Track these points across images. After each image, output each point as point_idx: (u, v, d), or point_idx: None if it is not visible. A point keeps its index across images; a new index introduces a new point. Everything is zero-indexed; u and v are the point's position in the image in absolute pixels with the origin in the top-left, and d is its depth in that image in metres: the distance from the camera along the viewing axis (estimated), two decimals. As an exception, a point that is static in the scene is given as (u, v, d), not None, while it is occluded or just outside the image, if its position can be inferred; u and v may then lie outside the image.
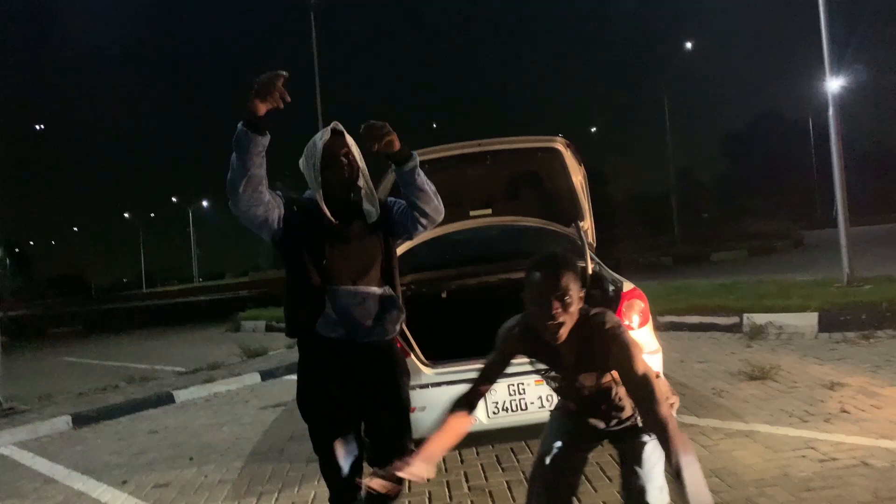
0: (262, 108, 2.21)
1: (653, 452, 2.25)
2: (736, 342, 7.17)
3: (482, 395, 2.28)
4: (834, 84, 12.27)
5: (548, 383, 2.38)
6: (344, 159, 2.50)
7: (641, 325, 3.80)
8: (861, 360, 5.72)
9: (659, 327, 8.25)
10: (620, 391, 2.26)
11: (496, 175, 4.27)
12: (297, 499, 3.92)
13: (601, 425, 2.34)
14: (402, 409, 2.65)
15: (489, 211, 4.41)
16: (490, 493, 3.71)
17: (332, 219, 2.49)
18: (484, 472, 4.02)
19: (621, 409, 2.31)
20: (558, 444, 2.39)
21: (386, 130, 2.36)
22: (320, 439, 2.56)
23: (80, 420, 6.52)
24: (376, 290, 2.55)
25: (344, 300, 2.48)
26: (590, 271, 4.18)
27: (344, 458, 2.53)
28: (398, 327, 2.59)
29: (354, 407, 2.56)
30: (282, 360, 8.81)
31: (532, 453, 4.19)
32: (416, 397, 3.53)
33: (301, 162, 2.56)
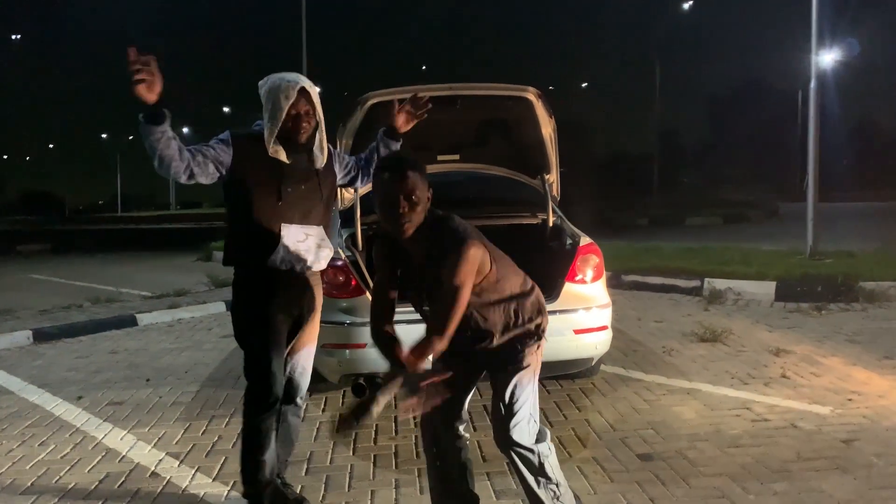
0: (149, 96, 2.29)
1: (519, 384, 2.31)
2: (694, 305, 7.34)
3: (390, 314, 2.40)
4: (826, 58, 12.24)
5: (417, 309, 2.45)
6: (306, 119, 2.62)
7: (595, 279, 3.88)
8: (810, 330, 5.91)
9: (622, 286, 8.42)
10: (480, 310, 2.29)
11: (466, 121, 4.25)
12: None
13: (465, 346, 2.35)
14: (318, 328, 3.00)
15: (457, 157, 4.42)
16: (435, 430, 3.82)
17: (287, 160, 2.65)
18: (432, 411, 4.13)
19: (479, 327, 2.32)
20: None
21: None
22: (260, 365, 2.73)
23: (40, 336, 6.53)
24: (317, 227, 2.77)
25: (293, 236, 2.69)
26: (550, 223, 4.24)
27: (279, 383, 2.77)
28: (325, 264, 2.86)
29: (288, 331, 2.80)
30: (249, 291, 8.83)
31: (480, 395, 4.33)
32: (369, 333, 3.60)
33: (262, 95, 2.61)
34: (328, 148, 2.83)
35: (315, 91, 2.64)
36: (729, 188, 37.19)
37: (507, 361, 2.36)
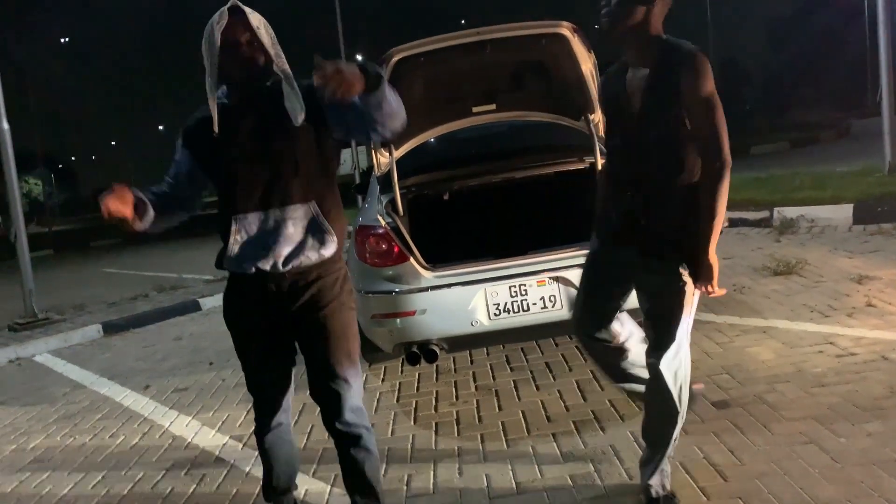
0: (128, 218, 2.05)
1: (681, 299, 2.27)
2: (764, 237, 6.94)
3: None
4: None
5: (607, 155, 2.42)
6: (246, 49, 2.07)
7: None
8: (895, 253, 5.47)
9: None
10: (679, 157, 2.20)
11: (498, 66, 3.99)
12: (307, 400, 3.90)
13: (641, 218, 2.26)
14: (337, 334, 2.23)
15: (493, 106, 4.17)
16: (496, 392, 3.71)
17: (215, 129, 2.11)
18: (492, 372, 4.02)
19: (671, 194, 2.22)
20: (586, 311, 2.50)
21: (337, 76, 1.78)
22: (247, 383, 2.44)
23: (110, 328, 6.72)
24: (297, 207, 2.13)
25: (250, 226, 2.14)
26: (599, 167, 3.98)
27: (272, 389, 2.40)
28: (326, 252, 2.18)
29: (282, 336, 2.29)
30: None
31: (541, 352, 4.19)
32: (417, 300, 3.50)
33: (203, 48, 2.10)
34: (309, 86, 2.08)
35: (258, 18, 2.07)
36: (797, 111, 35.37)
37: (665, 275, 2.28)
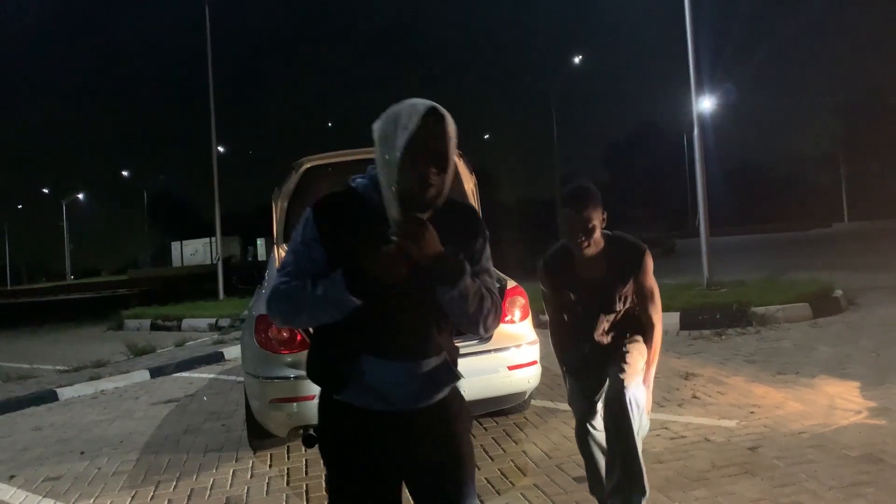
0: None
1: (637, 389, 2.89)
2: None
3: (567, 327, 3.03)
4: (705, 103, 13.40)
5: (572, 316, 2.99)
6: (435, 167, 1.59)
7: (522, 318, 4.22)
8: (713, 354, 6.47)
9: (541, 325, 8.80)
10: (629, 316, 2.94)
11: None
12: (196, 485, 4.04)
13: (605, 345, 2.96)
14: (469, 464, 1.80)
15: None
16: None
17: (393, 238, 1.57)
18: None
19: (625, 331, 2.96)
20: (586, 403, 3.05)
21: (419, 230, 1.56)
22: None
23: (-48, 418, 6.23)
24: (433, 360, 1.73)
25: (379, 375, 1.68)
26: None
27: None
28: (448, 391, 1.79)
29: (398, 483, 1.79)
30: (172, 357, 8.70)
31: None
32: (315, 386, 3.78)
33: (376, 133, 1.63)
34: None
35: (454, 127, 1.62)
36: (629, 228, 39.12)
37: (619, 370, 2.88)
